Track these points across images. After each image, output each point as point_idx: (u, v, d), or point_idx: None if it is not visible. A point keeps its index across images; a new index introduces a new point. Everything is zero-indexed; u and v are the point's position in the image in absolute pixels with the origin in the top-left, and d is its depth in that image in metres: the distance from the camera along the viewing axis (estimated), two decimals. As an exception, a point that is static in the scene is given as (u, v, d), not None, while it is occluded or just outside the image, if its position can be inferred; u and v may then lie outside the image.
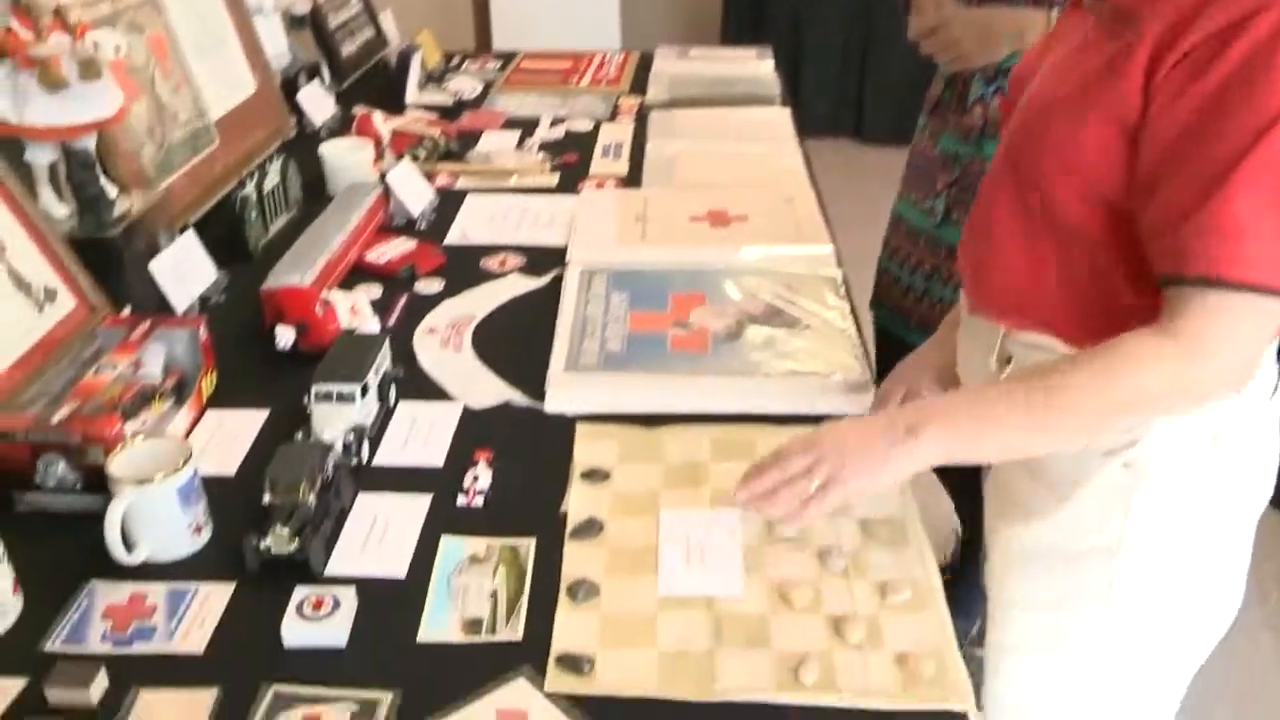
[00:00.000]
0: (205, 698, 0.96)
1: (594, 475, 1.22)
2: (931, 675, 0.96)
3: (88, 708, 0.95)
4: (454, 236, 1.77)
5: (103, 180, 1.47)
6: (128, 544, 1.08)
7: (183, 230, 1.57)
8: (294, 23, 2.29)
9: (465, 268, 1.67)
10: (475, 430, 1.31)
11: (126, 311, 1.42)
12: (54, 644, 1.02)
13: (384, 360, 1.33)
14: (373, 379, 1.29)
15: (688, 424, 1.30)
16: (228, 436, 1.29)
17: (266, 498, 1.10)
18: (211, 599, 1.06)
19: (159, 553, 1.10)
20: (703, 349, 1.42)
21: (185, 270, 1.51)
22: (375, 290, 1.60)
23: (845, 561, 1.09)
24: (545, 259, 1.69)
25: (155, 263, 1.46)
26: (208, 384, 1.35)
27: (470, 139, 2.20)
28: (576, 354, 1.41)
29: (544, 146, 2.16)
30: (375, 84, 2.54)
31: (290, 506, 1.09)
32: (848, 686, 0.95)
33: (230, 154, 1.81)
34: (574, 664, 0.98)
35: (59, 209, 1.44)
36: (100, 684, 0.96)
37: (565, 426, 1.30)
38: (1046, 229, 1.08)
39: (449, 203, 1.90)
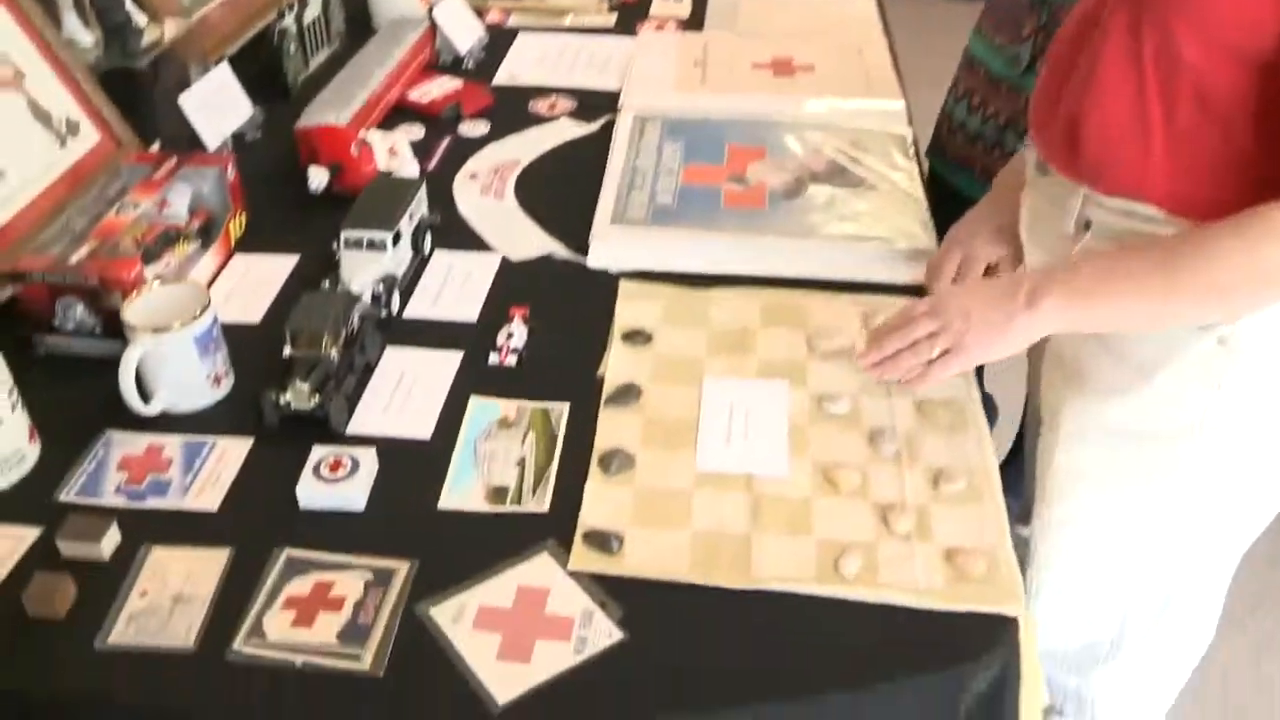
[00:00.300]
0: (217, 558, 0.92)
1: (635, 337, 1.15)
2: (981, 574, 0.89)
3: (99, 562, 0.92)
4: (502, 77, 1.67)
5: (130, 7, 1.39)
6: (145, 394, 1.04)
7: (217, 63, 1.49)
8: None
9: (513, 110, 1.57)
10: (513, 284, 1.24)
11: (155, 148, 1.35)
12: (68, 494, 0.98)
13: (420, 206, 1.26)
14: (406, 226, 1.21)
15: (738, 287, 1.21)
16: (255, 282, 1.24)
17: (287, 350, 1.05)
18: (228, 454, 1.02)
19: (177, 403, 1.06)
20: (759, 206, 1.32)
21: (218, 105, 1.43)
22: (417, 131, 1.52)
23: (898, 445, 1.02)
24: (597, 104, 1.59)
25: (186, 96, 1.38)
26: (236, 226, 1.28)
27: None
28: (624, 206, 1.32)
29: (603, -17, 2.03)
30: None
31: (312, 360, 1.04)
32: (891, 582, 0.89)
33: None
34: (602, 541, 0.93)
35: (84, 36, 1.37)
36: (112, 538, 0.93)
37: (608, 284, 1.22)
38: (1161, 81, 0.96)
39: (499, 41, 1.78)
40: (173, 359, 1.04)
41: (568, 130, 1.52)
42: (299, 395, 1.02)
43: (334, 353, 1.04)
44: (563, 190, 1.38)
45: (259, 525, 0.95)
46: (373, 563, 0.92)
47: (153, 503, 0.97)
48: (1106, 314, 1.00)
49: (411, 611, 0.88)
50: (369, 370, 1.10)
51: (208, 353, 1.05)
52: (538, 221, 1.33)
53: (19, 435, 0.99)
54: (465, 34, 1.71)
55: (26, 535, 0.95)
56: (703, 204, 1.32)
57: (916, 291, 1.20)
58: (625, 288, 1.22)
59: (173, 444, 1.03)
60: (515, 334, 1.15)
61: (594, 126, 1.53)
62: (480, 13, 1.83)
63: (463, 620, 0.87)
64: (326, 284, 1.16)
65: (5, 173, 1.16)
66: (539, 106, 1.58)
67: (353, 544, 0.93)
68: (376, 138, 1.40)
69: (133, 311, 1.04)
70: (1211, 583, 1.18)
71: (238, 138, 1.46)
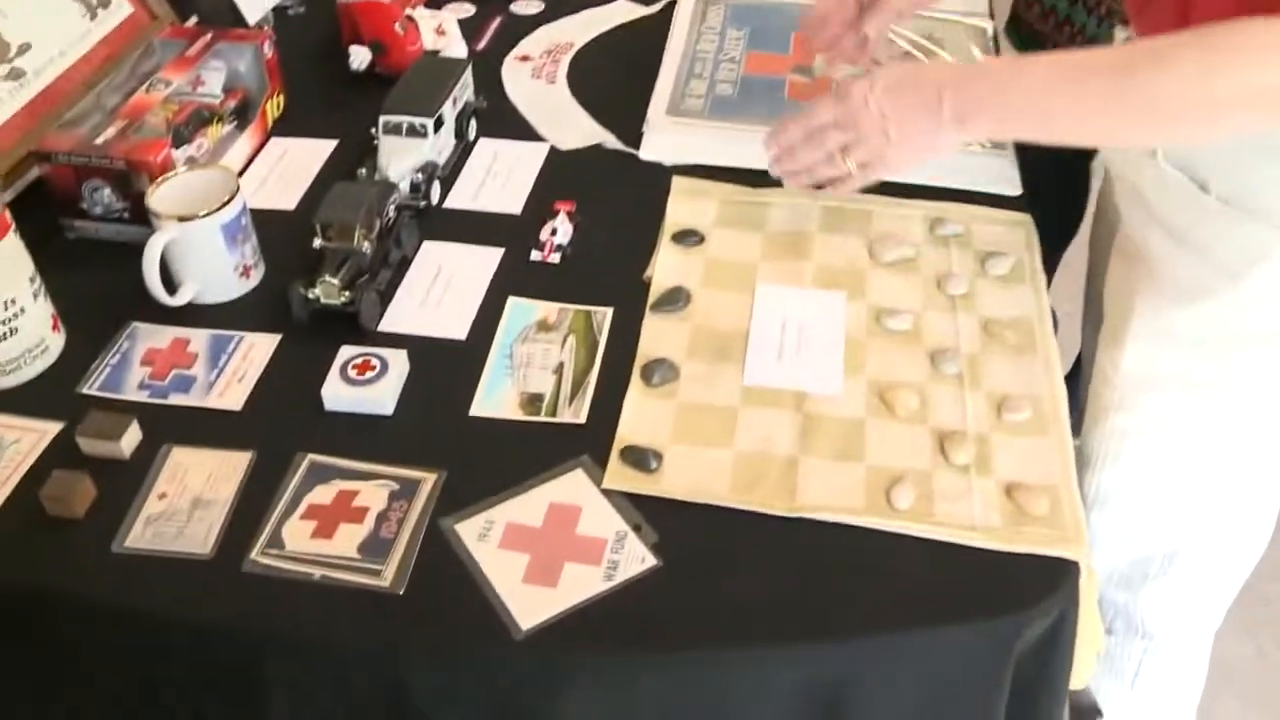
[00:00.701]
0: (238, 461, 0.89)
1: (686, 237, 1.08)
2: (1044, 513, 0.83)
3: (119, 460, 0.89)
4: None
5: None
6: (172, 284, 1.00)
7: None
8: None
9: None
10: (560, 175, 1.17)
11: (192, 22, 1.28)
12: (90, 388, 0.95)
13: (465, 89, 1.19)
14: (449, 111, 1.14)
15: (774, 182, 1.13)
16: (291, 167, 1.18)
17: (317, 242, 0.99)
18: (255, 350, 0.98)
19: (203, 294, 1.02)
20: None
21: (261, -25, 1.36)
22: (466, 9, 1.43)
23: (961, 366, 0.95)
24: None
25: (224, -34, 1.31)
26: (273, 108, 1.22)
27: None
28: (681, 96, 1.24)
29: None
30: None
31: (343, 253, 0.98)
32: (946, 518, 0.83)
33: None
34: (640, 458, 0.87)
35: (118, -103, 1.30)
36: (132, 437, 0.90)
37: (660, 178, 1.15)
38: None
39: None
40: (199, 248, 0.99)
41: (624, 11, 1.43)
42: (329, 290, 0.97)
43: (367, 245, 0.99)
44: (618, 76, 1.30)
45: (283, 427, 0.91)
46: (399, 472, 0.87)
47: (175, 400, 0.94)
48: (1041, 132, 0.90)
49: (436, 526, 0.84)
50: (405, 264, 1.05)
51: (235, 243, 1.00)
52: (589, 109, 1.25)
53: (42, 325, 0.96)
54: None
55: (48, 430, 0.92)
56: (765, 96, 1.24)
57: (987, 200, 1.12)
58: (678, 184, 1.14)
59: (199, 338, 0.99)
60: (560, 230, 1.08)
61: (654, 8, 1.43)
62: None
63: (489, 538, 0.83)
64: (363, 171, 1.10)
65: (31, 46, 1.11)
66: (596, -9, 1.48)
67: (379, 451, 0.89)
68: (424, 15, 1.32)
69: (158, 198, 0.99)
70: (1271, 494, 1.10)
71: (279, 12, 1.39)
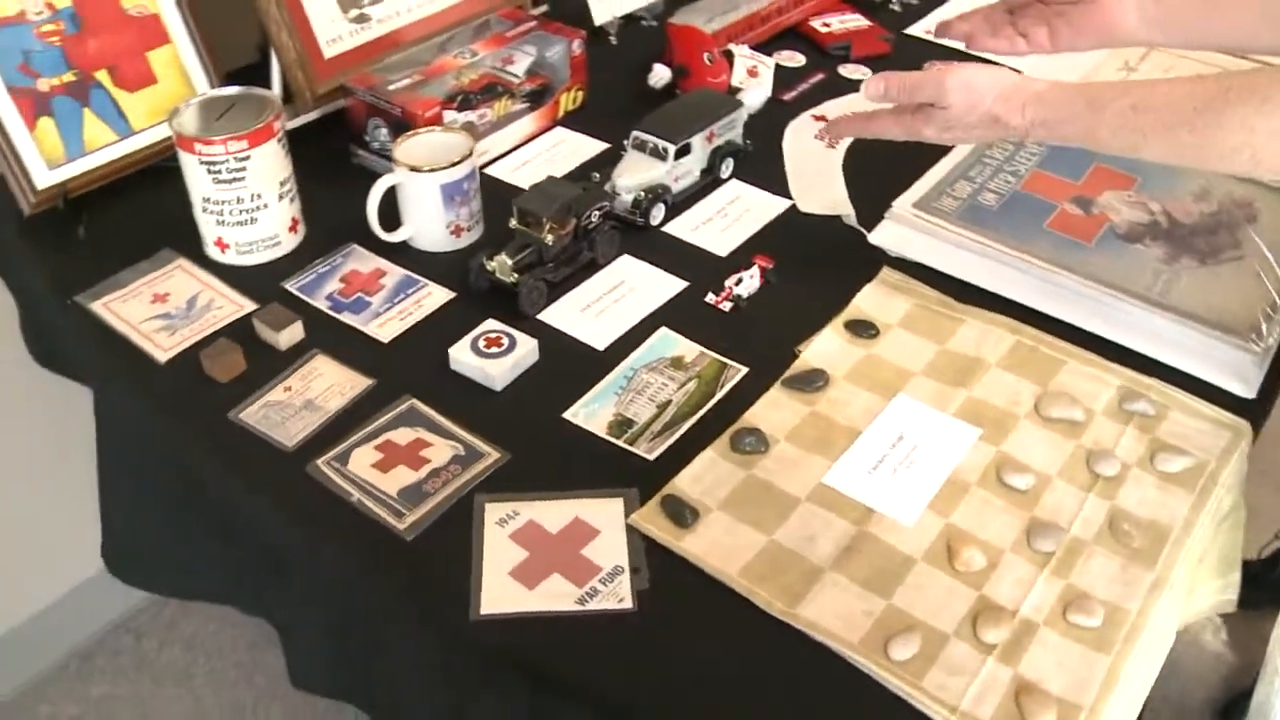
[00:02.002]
0: (359, 383, 0.99)
1: (861, 328, 1.05)
2: (1035, 730, 0.74)
3: (276, 348, 1.03)
4: (920, 28, 1.55)
5: None
6: (397, 223, 1.12)
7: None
8: None
9: (906, 66, 1.44)
10: (781, 231, 1.17)
11: (541, 9, 1.41)
12: (291, 285, 1.10)
13: (730, 129, 1.22)
14: (700, 143, 1.18)
15: (999, 314, 1.07)
16: (559, 156, 1.27)
17: (513, 223, 1.08)
18: (429, 299, 1.08)
19: (416, 239, 1.13)
20: (1083, 240, 1.14)
21: (619, -16, 1.47)
22: (797, 58, 1.46)
23: (1057, 547, 0.86)
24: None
25: (587, -32, 1.43)
26: (569, 100, 1.32)
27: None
28: (939, 193, 1.19)
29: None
30: None
31: (527, 240, 1.06)
32: (934, 688, 0.76)
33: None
34: (677, 511, 0.88)
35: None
36: (292, 334, 1.03)
37: (871, 263, 1.12)
38: None
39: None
40: (418, 199, 1.11)
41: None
42: (502, 267, 1.05)
43: (549, 239, 1.05)
44: (898, 158, 1.25)
45: (408, 369, 1.01)
46: (472, 440, 0.94)
47: (345, 317, 1.06)
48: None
49: (472, 497, 0.89)
50: (593, 267, 1.11)
51: (452, 204, 1.11)
52: (849, 180, 1.24)
53: (279, 223, 1.12)
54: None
55: (245, 307, 1.07)
56: (1026, 217, 1.16)
57: (1206, 390, 0.99)
58: (885, 275, 1.11)
59: (394, 274, 1.11)
60: (745, 282, 1.09)
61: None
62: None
63: (507, 525, 0.87)
64: (596, 175, 1.17)
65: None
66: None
67: (472, 417, 0.96)
68: (745, 54, 1.37)
69: (403, 146, 1.12)
70: None
71: (631, 20, 1.49)
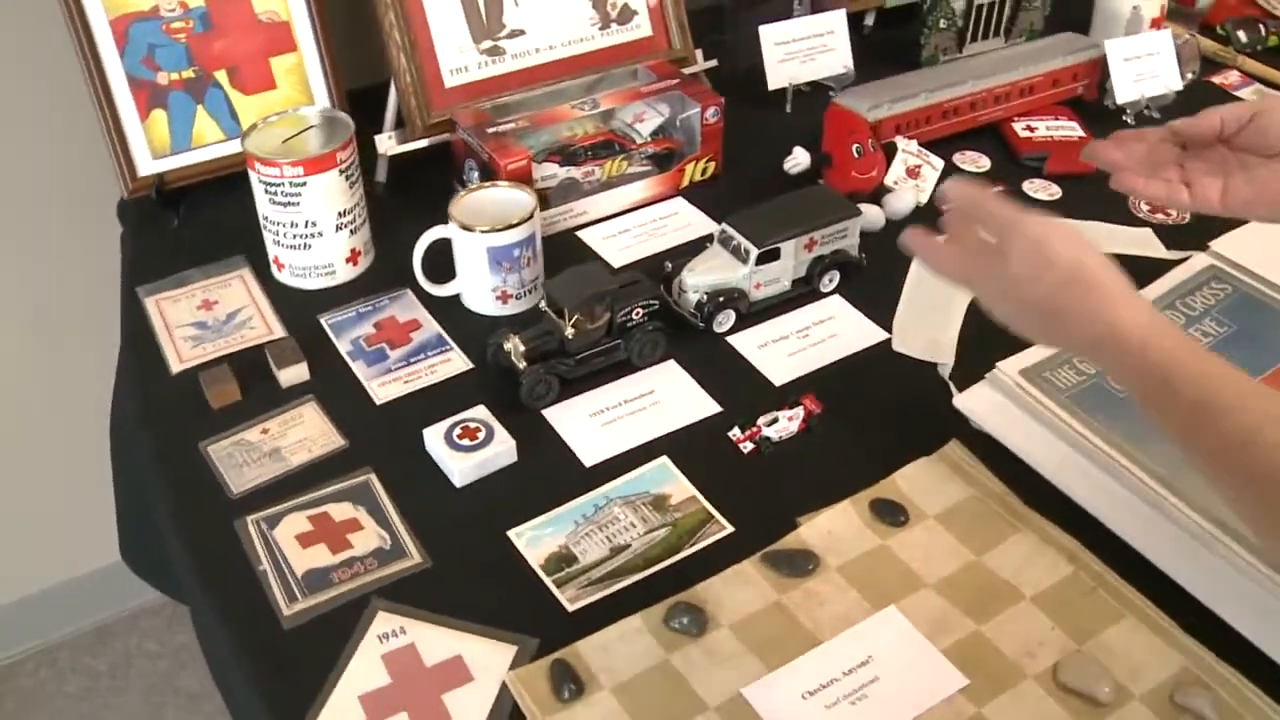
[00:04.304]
0: (331, 441, 0.94)
1: (886, 511, 0.88)
2: None
3: (277, 383, 1.00)
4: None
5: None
6: (447, 275, 1.06)
7: (859, 14, 1.37)
8: None
9: (1109, 195, 1.22)
10: (857, 370, 1.02)
11: (697, 65, 1.30)
12: (327, 319, 1.06)
13: (842, 237, 1.07)
14: (795, 250, 1.04)
15: (1069, 532, 0.86)
16: (666, 229, 1.17)
17: (541, 304, 0.99)
18: (447, 366, 1.02)
19: (465, 298, 1.07)
20: (1229, 462, 0.91)
21: (807, 50, 1.33)
22: (981, 162, 1.27)
23: None
24: (1199, 229, 1.16)
25: (768, 28, 1.30)
26: (696, 170, 1.21)
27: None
28: (1062, 362, 0.99)
29: None
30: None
31: (548, 327, 0.97)
32: None
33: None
34: (562, 680, 0.76)
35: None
36: (294, 374, 1.00)
37: (942, 431, 0.95)
38: None
39: (1201, 108, 1.37)
40: (465, 258, 1.04)
41: (1133, 243, 1.16)
42: (515, 350, 0.96)
43: (569, 332, 0.96)
44: (1042, 306, 1.07)
45: (387, 437, 0.95)
46: (403, 537, 0.86)
47: (357, 366, 1.01)
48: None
49: (369, 599, 0.82)
50: (627, 368, 1.00)
51: (499, 268, 1.03)
52: (968, 324, 1.06)
53: (335, 253, 1.08)
54: (1151, 80, 1.34)
55: (275, 332, 1.05)
56: (1160, 415, 0.94)
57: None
58: (950, 450, 0.93)
59: (429, 329, 1.05)
60: (780, 423, 0.95)
61: (1167, 253, 1.14)
62: (1218, 66, 1.43)
63: (387, 643, 0.79)
64: (669, 264, 1.06)
65: (524, 33, 1.21)
66: (1140, 205, 1.21)
67: (418, 509, 0.89)
68: (909, 149, 1.20)
69: (466, 198, 1.05)
70: None
71: (819, 87, 1.35)
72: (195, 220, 1.19)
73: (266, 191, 1.04)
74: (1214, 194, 0.87)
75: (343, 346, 1.03)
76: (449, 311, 1.07)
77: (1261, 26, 1.50)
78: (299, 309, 1.08)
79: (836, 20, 1.34)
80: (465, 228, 1.02)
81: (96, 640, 1.81)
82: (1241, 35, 1.50)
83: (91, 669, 1.77)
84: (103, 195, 1.23)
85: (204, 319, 1.06)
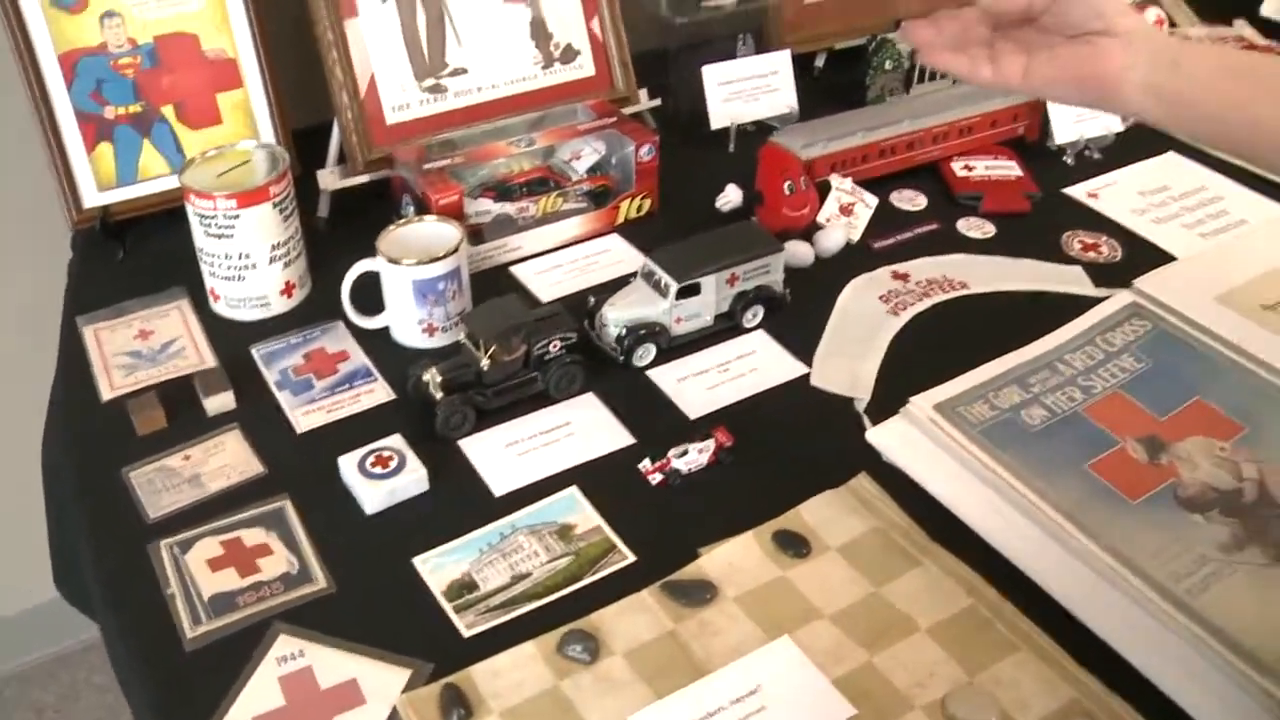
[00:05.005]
0: (250, 468, 0.96)
1: (788, 543, 0.89)
2: None
3: (203, 410, 1.01)
4: (1084, 190, 1.31)
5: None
6: (377, 307, 1.08)
7: (809, 55, 1.39)
8: None
9: (1039, 231, 1.25)
10: (773, 404, 1.03)
11: (640, 104, 1.32)
12: (258, 350, 1.08)
13: (765, 273, 1.09)
14: (716, 284, 1.06)
15: (971, 565, 0.87)
16: (599, 265, 1.19)
17: (461, 336, 1.01)
18: (368, 396, 1.03)
19: (393, 330, 1.09)
20: (1131, 494, 0.91)
21: (751, 91, 1.35)
22: (918, 201, 1.29)
23: None
24: (1130, 266, 1.19)
25: (711, 68, 1.32)
26: (631, 207, 1.23)
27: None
28: (978, 396, 1.00)
29: None
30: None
31: (465, 360, 0.99)
32: None
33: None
34: (451, 704, 0.77)
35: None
36: (220, 402, 1.02)
37: (852, 464, 0.96)
38: None
39: (1142, 151, 1.41)
40: (392, 291, 1.06)
41: (1061, 280, 1.17)
42: (432, 382, 0.98)
43: (485, 363, 0.97)
44: (965, 340, 1.08)
45: (305, 466, 0.96)
46: (311, 563, 0.88)
47: (283, 396, 1.03)
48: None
49: (270, 623, 0.83)
50: (544, 399, 1.02)
51: (425, 301, 1.05)
52: (894, 359, 1.07)
53: (269, 285, 1.11)
54: (1078, 121, 1.36)
55: (206, 361, 1.07)
56: (1067, 448, 0.95)
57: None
58: (857, 484, 0.94)
59: (355, 360, 1.07)
60: (690, 455, 0.96)
61: (1094, 290, 1.15)
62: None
63: (285, 665, 0.81)
64: (593, 299, 1.08)
65: (467, 71, 1.24)
66: (1073, 243, 1.23)
67: (329, 536, 0.90)
68: (842, 187, 1.22)
69: (393, 233, 1.07)
70: None
71: (764, 127, 1.37)
72: (141, 251, 1.21)
73: (201, 223, 1.07)
74: (1016, 71, 0.85)
75: (271, 376, 1.05)
76: (378, 344, 1.09)
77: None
78: (233, 339, 1.10)
79: (781, 60, 1.37)
80: (392, 261, 1.04)
81: (45, 673, 1.82)
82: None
83: (39, 702, 1.78)
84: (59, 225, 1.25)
85: (139, 348, 1.08)
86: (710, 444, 0.97)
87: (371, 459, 0.94)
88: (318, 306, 1.14)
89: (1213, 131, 0.82)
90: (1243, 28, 1.68)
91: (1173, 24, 1.61)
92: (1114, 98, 0.82)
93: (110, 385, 1.04)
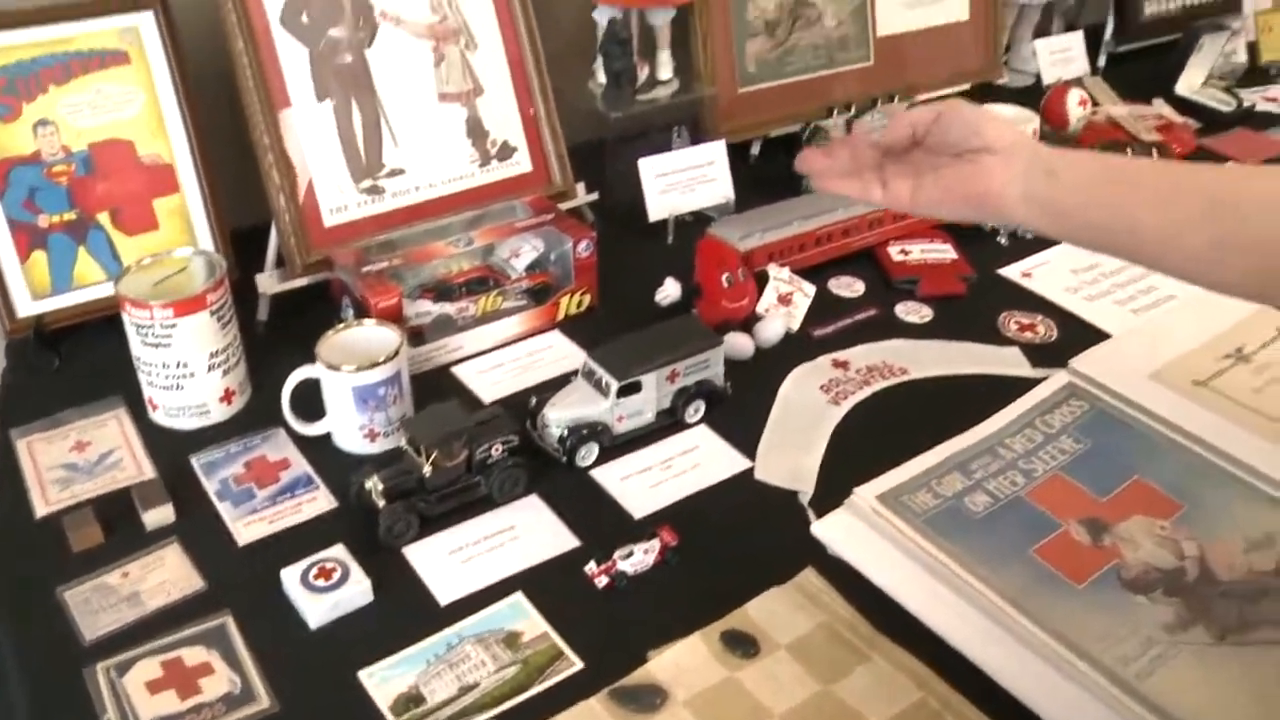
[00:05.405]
0: (190, 584, 0.94)
1: (736, 643, 0.89)
2: None
3: (141, 525, 1.00)
4: (1017, 268, 1.35)
5: (671, 58, 1.39)
6: (318, 413, 1.08)
7: (745, 144, 1.42)
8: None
9: (976, 316, 1.27)
10: (717, 500, 1.03)
11: (578, 198, 1.34)
12: (199, 459, 1.07)
13: (705, 367, 1.09)
14: (656, 381, 1.06)
15: (921, 658, 0.87)
16: (541, 364, 1.19)
17: (402, 442, 1.00)
18: (312, 506, 1.02)
19: (335, 437, 1.08)
20: (1077, 578, 0.92)
21: (687, 181, 1.37)
22: (856, 287, 1.30)
23: None
24: (1066, 345, 1.21)
25: (647, 161, 1.34)
26: (571, 303, 1.23)
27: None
28: (921, 485, 1.01)
29: None
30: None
31: (408, 466, 0.98)
32: None
33: (882, 79, 1.56)
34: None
35: (601, 75, 1.39)
36: (159, 516, 1.00)
37: (797, 558, 0.95)
38: None
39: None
40: (332, 397, 1.05)
41: (999, 362, 1.19)
42: (374, 490, 0.97)
43: (427, 469, 0.97)
44: (907, 424, 1.09)
45: (247, 579, 0.95)
46: (254, 681, 0.86)
47: (224, 507, 1.02)
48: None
49: (210, 750, 0.82)
50: (488, 503, 1.01)
51: (366, 407, 1.04)
52: (837, 449, 1.08)
53: (209, 393, 1.09)
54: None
55: (145, 473, 1.05)
56: (1012, 533, 0.96)
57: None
58: (804, 579, 0.94)
59: (298, 468, 1.06)
60: (636, 556, 0.95)
61: (1031, 371, 1.18)
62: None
63: (224, 797, 0.79)
64: (534, 400, 1.07)
65: (404, 172, 1.25)
66: (1010, 324, 1.25)
67: (273, 651, 0.88)
68: (780, 277, 1.24)
69: (332, 338, 1.07)
70: None
71: (702, 217, 1.39)
72: (77, 360, 1.20)
73: (138, 333, 1.06)
74: (904, 193, 0.88)
75: (211, 487, 1.04)
76: (319, 450, 1.08)
77: (1128, 150, 1.56)
78: (172, 449, 1.08)
79: (717, 151, 1.39)
80: (331, 367, 1.04)
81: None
82: (1112, 157, 1.56)
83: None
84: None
85: (75, 460, 1.07)
86: (655, 544, 0.97)
87: (314, 571, 0.93)
88: (258, 412, 1.13)
89: (1095, 239, 0.84)
90: (1161, 106, 1.74)
91: (1095, 104, 1.66)
92: (999, 212, 0.85)
93: (45, 500, 1.02)
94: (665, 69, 1.41)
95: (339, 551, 0.95)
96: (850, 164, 0.90)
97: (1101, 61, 1.92)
